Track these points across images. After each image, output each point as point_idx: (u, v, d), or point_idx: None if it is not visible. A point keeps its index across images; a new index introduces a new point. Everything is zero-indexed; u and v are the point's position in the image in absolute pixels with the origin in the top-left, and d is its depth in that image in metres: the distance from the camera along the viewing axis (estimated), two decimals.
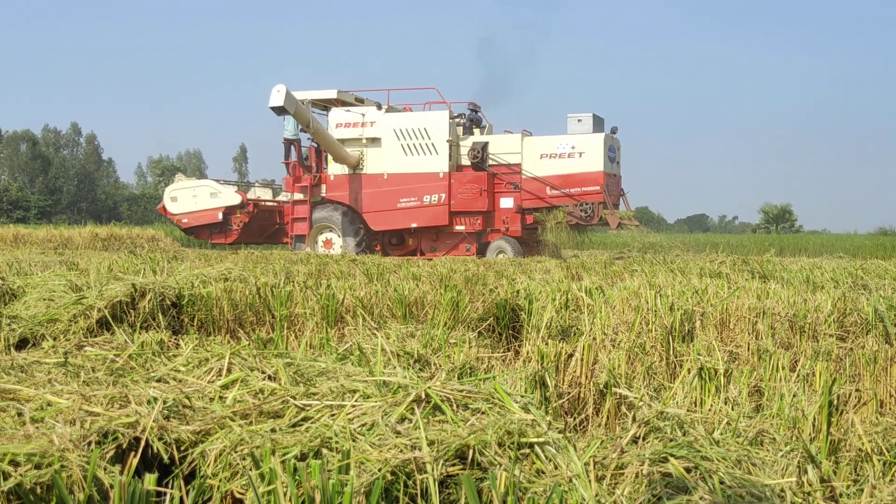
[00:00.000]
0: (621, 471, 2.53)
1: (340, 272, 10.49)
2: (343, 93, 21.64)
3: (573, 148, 20.36)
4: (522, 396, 3.01)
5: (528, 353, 5.57)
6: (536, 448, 2.53)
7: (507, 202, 20.80)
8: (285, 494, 2.25)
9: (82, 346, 4.12)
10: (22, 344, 5.30)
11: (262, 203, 22.87)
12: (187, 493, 2.59)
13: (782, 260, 18.09)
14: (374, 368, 3.49)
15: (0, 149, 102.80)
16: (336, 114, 21.35)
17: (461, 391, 2.89)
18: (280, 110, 18.92)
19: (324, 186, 21.52)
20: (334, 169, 21.46)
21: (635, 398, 3.64)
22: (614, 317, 5.97)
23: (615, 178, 21.33)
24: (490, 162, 20.87)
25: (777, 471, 2.68)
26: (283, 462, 2.43)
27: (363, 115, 21.23)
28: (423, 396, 2.83)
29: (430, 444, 2.50)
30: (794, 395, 3.77)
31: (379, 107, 21.64)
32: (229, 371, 3.40)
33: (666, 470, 2.51)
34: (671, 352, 5.08)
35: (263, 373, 3.39)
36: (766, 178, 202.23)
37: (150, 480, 2.22)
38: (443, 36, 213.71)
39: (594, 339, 5.53)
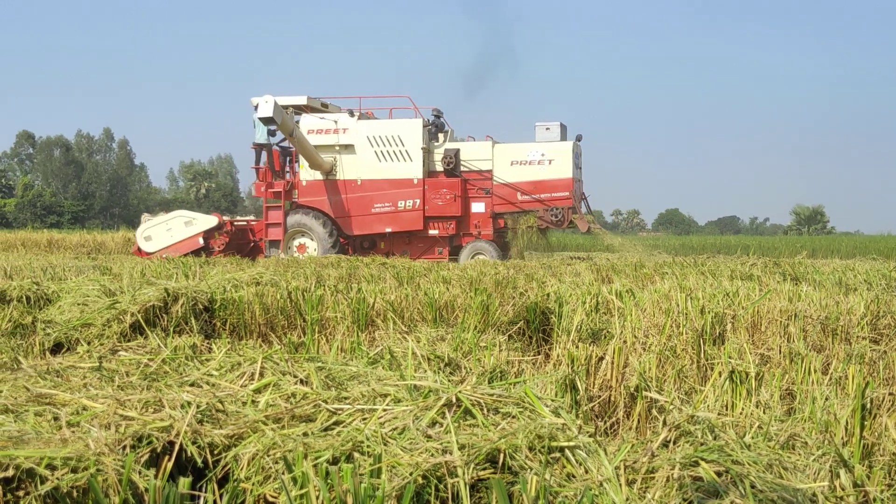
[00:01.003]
0: (652, 475, 2.52)
1: (371, 276, 10.51)
2: (312, 99, 22.10)
3: (543, 155, 21.20)
4: (553, 400, 3.01)
5: (558, 356, 5.56)
6: (567, 452, 2.54)
7: (479, 207, 21.54)
8: (318, 498, 2.27)
9: (116, 350, 4.16)
10: (57, 348, 5.37)
11: (236, 222, 23.33)
12: (221, 496, 2.62)
13: (814, 262, 17.91)
14: (404, 372, 3.50)
15: (34, 154, 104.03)
16: (309, 120, 21.70)
17: (492, 395, 2.90)
18: (269, 120, 19.39)
19: (296, 192, 22.00)
20: (306, 174, 21.91)
21: (666, 402, 3.63)
22: (645, 319, 5.95)
23: (579, 184, 22.24)
24: (462, 168, 21.62)
25: (809, 475, 2.66)
26: (315, 466, 2.45)
27: (336, 121, 21.75)
28: (454, 400, 2.84)
29: (461, 448, 2.51)
30: (827, 399, 3.75)
31: (351, 113, 22.09)
32: (261, 375, 3.43)
33: (697, 474, 2.50)
34: (702, 355, 5.06)
35: (295, 377, 3.42)
36: (798, 179, 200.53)
37: (184, 484, 2.24)
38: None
39: (624, 342, 5.51)
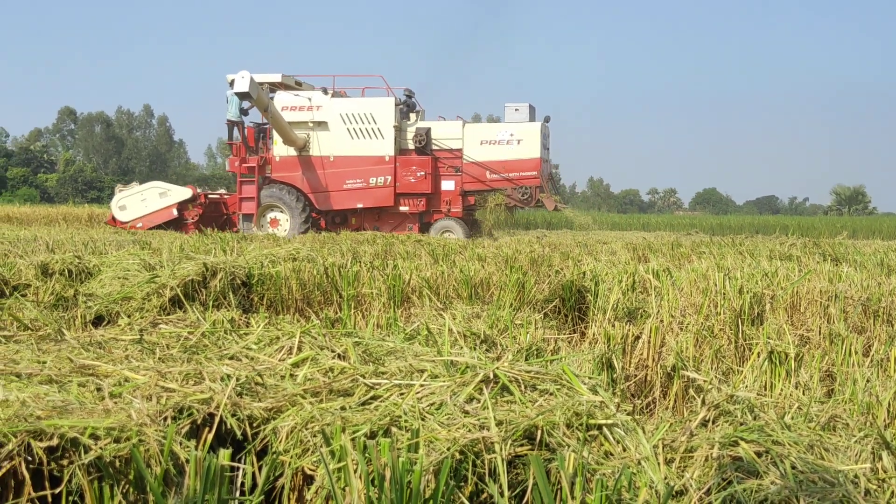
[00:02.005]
0: (690, 454, 2.51)
1: (406, 253, 10.53)
2: (287, 76, 22.44)
3: (512, 135, 21.72)
4: (590, 378, 3.00)
5: (594, 334, 5.55)
6: (605, 430, 2.53)
7: (448, 185, 22.08)
8: (356, 471, 2.28)
9: (157, 323, 4.21)
10: (98, 321, 5.44)
11: (210, 195, 23.65)
12: (259, 468, 2.65)
13: (855, 243, 17.71)
14: (441, 349, 3.51)
15: (75, 130, 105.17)
16: (283, 97, 22.05)
17: (529, 372, 2.90)
18: (245, 95, 19.80)
19: (269, 167, 22.38)
20: (280, 150, 22.30)
21: (704, 381, 3.61)
22: (682, 299, 5.91)
23: (547, 164, 22.87)
24: (433, 147, 22.15)
25: (850, 457, 2.64)
26: (353, 440, 2.47)
27: (310, 98, 22.17)
28: (492, 377, 2.84)
29: (499, 424, 2.52)
30: (868, 381, 3.70)
31: (325, 91, 22.48)
32: (300, 349, 3.46)
33: (736, 454, 2.49)
34: (740, 335, 5.02)
35: (333, 351, 3.43)
36: (839, 158, 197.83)
37: (224, 456, 2.26)
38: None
39: (661, 321, 5.48)
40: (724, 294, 5.52)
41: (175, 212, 21.91)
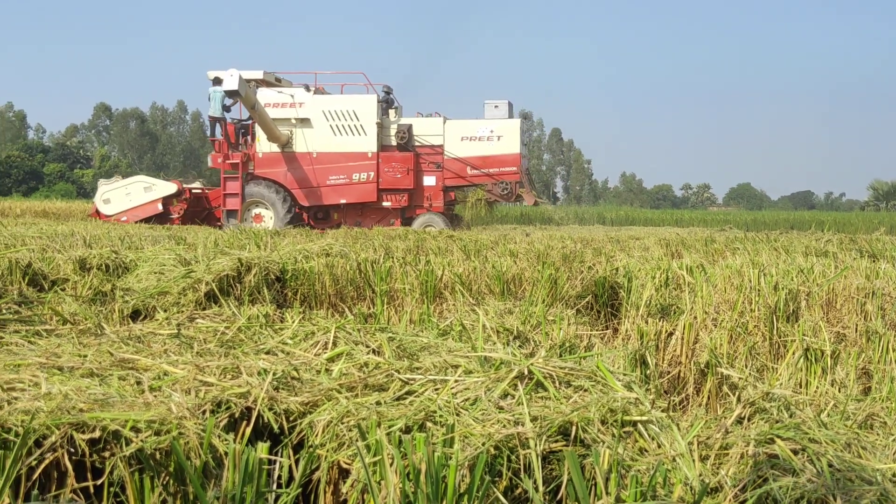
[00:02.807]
0: (726, 451, 2.51)
1: (438, 248, 10.56)
2: (268, 73, 22.78)
3: (492, 132, 22.33)
4: (625, 374, 3.01)
5: (627, 330, 5.54)
6: (639, 426, 2.54)
7: (430, 180, 22.56)
8: (391, 465, 2.30)
9: (194, 318, 4.26)
10: (135, 315, 5.50)
11: (192, 190, 23.83)
12: (296, 462, 2.68)
13: (893, 239, 17.51)
14: (475, 344, 3.53)
15: (110, 126, 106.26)
16: (266, 94, 22.29)
17: (563, 368, 2.91)
18: (233, 93, 20.13)
19: (252, 164, 22.70)
20: (263, 147, 22.62)
21: (739, 378, 3.60)
22: (716, 295, 5.88)
23: (525, 159, 23.58)
24: (415, 143, 22.62)
25: (888, 455, 2.62)
26: (388, 434, 2.49)
27: (292, 95, 22.51)
28: (526, 373, 2.85)
29: (533, 419, 2.53)
30: None
31: (307, 88, 22.85)
32: (335, 344, 3.49)
33: (772, 451, 2.48)
34: (775, 332, 4.99)
35: (367, 347, 3.46)
36: (877, 152, 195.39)
37: (262, 449, 2.30)
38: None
39: (695, 317, 5.46)
40: (759, 291, 5.49)
41: (160, 206, 22.19)
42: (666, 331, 4.91)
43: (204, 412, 2.66)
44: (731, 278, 6.32)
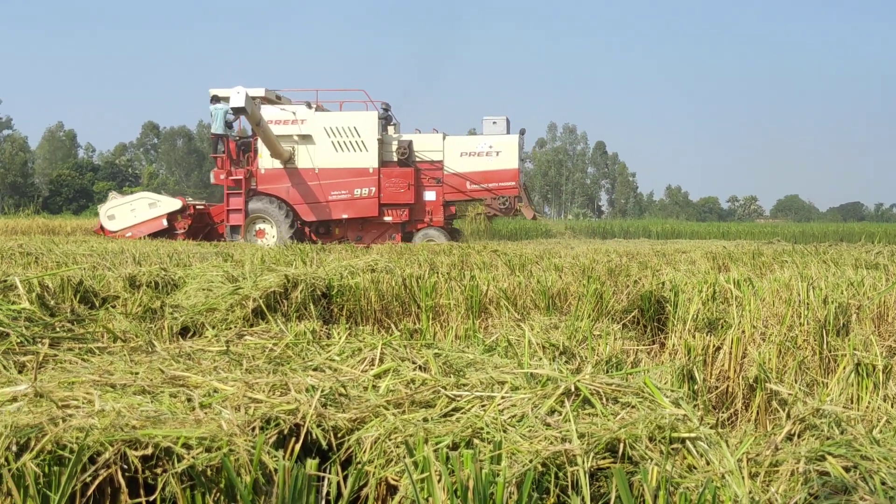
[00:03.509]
0: (776, 468, 2.49)
1: (483, 263, 10.56)
2: (269, 91, 23.21)
3: (491, 147, 22.80)
4: (673, 391, 2.99)
5: (673, 345, 5.51)
6: (688, 443, 2.52)
7: (430, 195, 23.03)
8: (439, 482, 2.31)
9: (242, 335, 4.31)
10: (183, 331, 5.57)
11: (196, 206, 24.14)
12: (344, 478, 2.70)
13: None
14: (521, 360, 3.53)
15: (158, 144, 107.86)
16: (269, 111, 22.66)
17: (610, 385, 2.90)
18: (240, 110, 20.67)
19: (254, 180, 23.10)
20: (265, 163, 23.02)
21: (789, 394, 3.56)
22: (764, 309, 5.82)
23: (523, 175, 23.85)
24: (415, 158, 23.04)
25: None
26: (435, 451, 2.50)
27: (294, 112, 22.92)
28: (573, 389, 2.85)
29: (581, 436, 2.53)
30: None
31: (309, 105, 23.26)
32: (381, 361, 3.51)
33: (823, 469, 2.46)
34: (825, 346, 4.93)
35: (414, 363, 3.48)
36: None
37: (311, 465, 2.32)
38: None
39: (743, 332, 5.41)
40: (808, 304, 5.43)
41: (165, 222, 22.51)
42: (713, 345, 4.87)
43: (254, 429, 2.69)
44: (779, 292, 6.26)
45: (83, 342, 4.01)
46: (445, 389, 3.05)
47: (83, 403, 2.77)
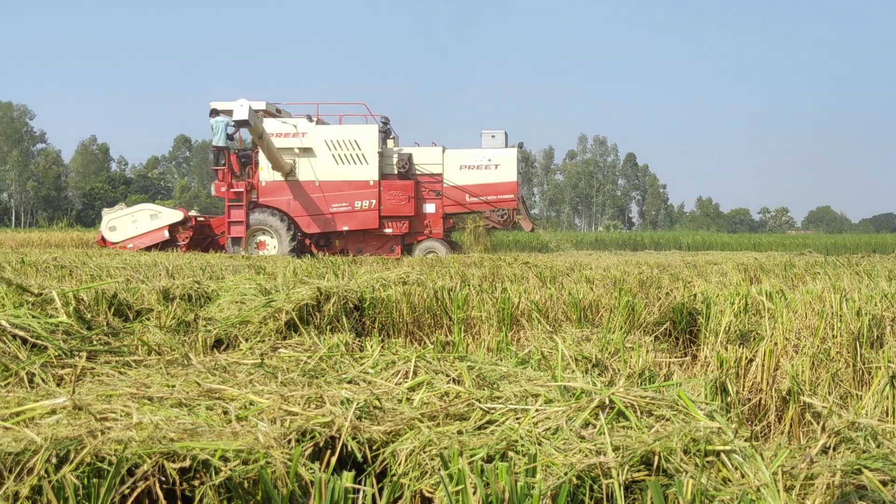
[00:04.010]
0: (811, 481, 2.48)
1: (514, 275, 10.57)
2: (270, 104, 23.58)
3: (489, 160, 23.32)
4: (707, 404, 2.99)
5: (706, 357, 5.49)
6: (723, 456, 2.52)
7: (430, 208, 23.54)
8: (474, 494, 2.33)
9: (276, 347, 4.34)
10: (217, 344, 5.62)
11: (198, 218, 24.41)
12: (379, 490, 2.72)
13: None
14: (555, 373, 3.54)
15: (190, 157, 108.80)
16: (271, 124, 22.97)
17: (644, 397, 2.91)
18: (243, 123, 20.93)
19: (255, 192, 23.41)
20: (266, 175, 23.39)
21: (823, 406, 3.54)
22: (796, 321, 5.79)
23: (521, 187, 24.31)
24: (415, 171, 23.52)
25: None
26: (470, 463, 2.52)
27: (295, 126, 23.27)
28: (607, 402, 2.86)
29: (615, 449, 2.53)
30: None
31: (310, 118, 23.64)
32: (415, 373, 3.53)
33: (860, 482, 2.45)
34: (858, 359, 4.90)
35: (447, 376, 3.50)
36: None
37: (348, 478, 2.34)
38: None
39: (775, 344, 5.38)
40: (841, 316, 5.39)
41: (166, 234, 22.73)
42: (746, 358, 4.85)
43: (290, 441, 2.72)
44: (812, 304, 6.22)
45: (120, 355, 4.07)
46: (479, 402, 3.07)
47: (121, 416, 2.81)
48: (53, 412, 2.81)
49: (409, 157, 23.28)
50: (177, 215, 23.30)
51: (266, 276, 8.87)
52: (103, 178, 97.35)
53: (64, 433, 2.53)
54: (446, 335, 6.19)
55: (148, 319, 5.97)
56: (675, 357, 5.32)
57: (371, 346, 4.38)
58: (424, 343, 5.96)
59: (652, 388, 3.13)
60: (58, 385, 3.55)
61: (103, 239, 23.21)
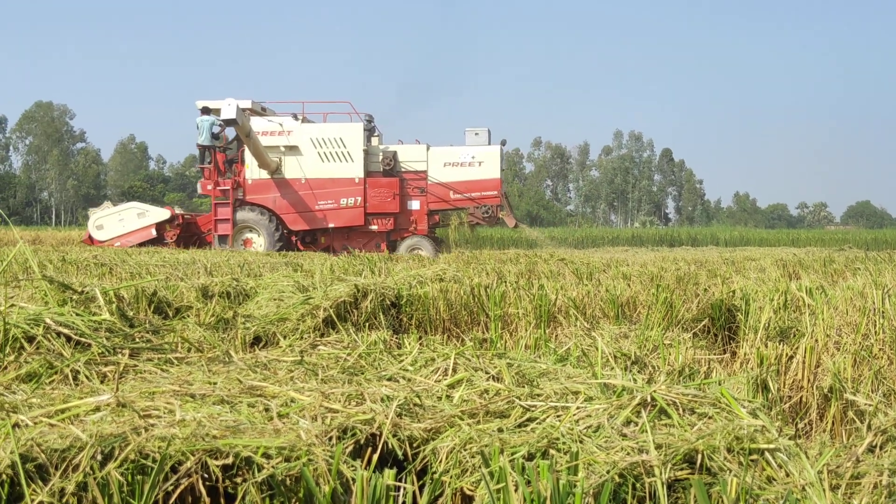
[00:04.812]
0: (857, 480, 2.45)
1: (550, 272, 10.54)
2: (255, 103, 23.80)
3: (473, 158, 23.48)
4: (750, 402, 2.96)
5: (745, 354, 5.44)
6: (766, 454, 2.50)
7: (415, 204, 23.67)
8: (516, 492, 2.32)
9: (316, 345, 4.36)
10: (255, 341, 5.66)
11: (183, 216, 24.44)
12: (420, 488, 2.72)
13: None
14: (594, 370, 3.52)
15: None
16: (257, 122, 23.14)
17: (686, 395, 2.89)
18: (231, 122, 21.14)
19: (241, 190, 23.57)
20: (252, 174, 23.55)
21: (867, 404, 3.50)
22: (837, 318, 5.72)
23: (504, 184, 24.45)
24: (400, 168, 23.70)
25: None
26: (511, 461, 2.51)
27: (281, 124, 23.47)
28: (649, 399, 2.84)
29: (658, 447, 2.52)
30: None
31: (295, 117, 23.85)
32: (454, 371, 3.53)
33: None
34: None
35: (487, 373, 3.50)
36: None
37: (389, 475, 2.35)
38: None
39: (816, 341, 5.32)
40: (884, 312, 5.32)
41: (154, 232, 22.91)
42: (786, 355, 4.81)
43: (331, 439, 2.73)
44: (852, 300, 6.14)
45: (162, 352, 4.10)
46: (519, 399, 3.06)
47: (164, 413, 2.83)
48: (98, 409, 2.84)
49: (394, 154, 23.55)
50: (164, 213, 23.45)
51: (303, 274, 8.91)
52: (142, 177, 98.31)
53: (108, 430, 2.56)
54: (483, 332, 6.19)
55: (187, 317, 6.02)
56: (714, 354, 5.28)
57: (409, 344, 4.39)
58: (462, 340, 5.96)
59: (693, 385, 3.10)
60: (101, 382, 3.58)
61: (90, 238, 23.29)
